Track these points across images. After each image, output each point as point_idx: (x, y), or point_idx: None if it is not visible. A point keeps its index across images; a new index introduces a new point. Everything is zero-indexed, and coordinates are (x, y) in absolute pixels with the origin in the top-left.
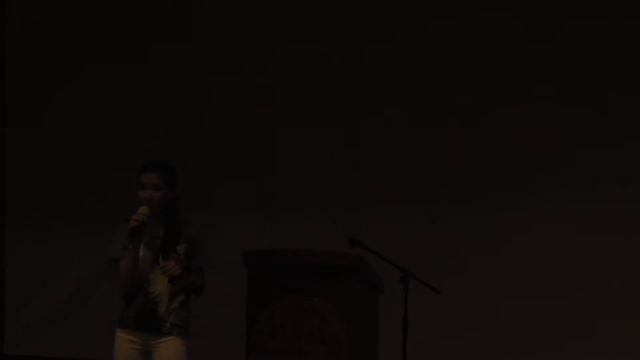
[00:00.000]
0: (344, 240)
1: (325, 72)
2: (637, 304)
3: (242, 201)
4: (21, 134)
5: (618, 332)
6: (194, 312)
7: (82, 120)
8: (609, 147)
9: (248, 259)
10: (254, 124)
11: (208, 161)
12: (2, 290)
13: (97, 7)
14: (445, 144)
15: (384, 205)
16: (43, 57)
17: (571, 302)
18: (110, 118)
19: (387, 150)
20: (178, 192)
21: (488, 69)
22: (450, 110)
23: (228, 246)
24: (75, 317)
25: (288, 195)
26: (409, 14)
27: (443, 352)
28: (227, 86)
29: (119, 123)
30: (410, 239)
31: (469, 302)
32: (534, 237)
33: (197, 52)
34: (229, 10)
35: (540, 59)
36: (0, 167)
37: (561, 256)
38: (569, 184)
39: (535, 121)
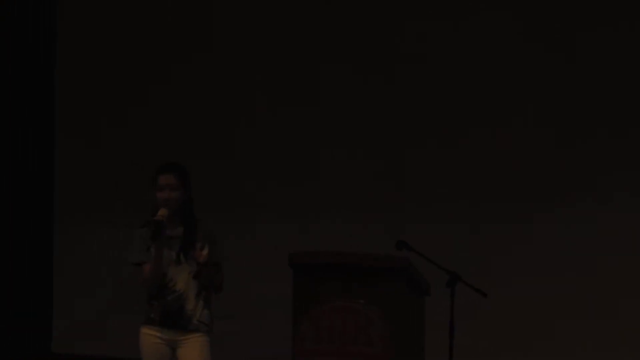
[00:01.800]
0: (390, 242)
1: (366, 78)
2: None
3: (288, 203)
4: (73, 134)
5: None
6: (237, 312)
7: (129, 121)
8: None
9: (294, 261)
10: (297, 126)
11: (252, 163)
12: (50, 289)
13: (144, 19)
14: (489, 146)
15: (430, 208)
16: (93, 65)
17: (620, 308)
18: (155, 118)
19: (433, 153)
20: (191, 193)
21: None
22: (491, 114)
23: (273, 247)
24: (122, 316)
25: (333, 197)
26: (440, 11)
27: (489, 356)
28: (272, 88)
29: (163, 123)
30: (456, 241)
31: (516, 306)
32: (581, 240)
33: (238, 57)
34: (279, 21)
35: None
36: (51, 166)
37: (612, 258)
38: (617, 188)
39: (580, 125)
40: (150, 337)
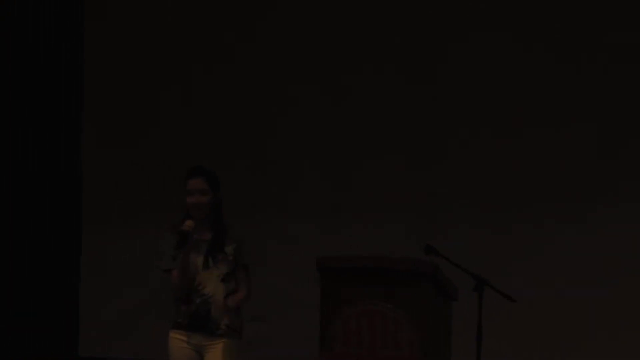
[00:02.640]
0: (417, 247)
1: (399, 80)
2: None
3: (315, 206)
4: (98, 135)
5: None
6: (263, 315)
7: (156, 123)
8: None
9: (322, 264)
10: (328, 129)
11: (277, 165)
12: (77, 292)
13: (175, 15)
14: (519, 151)
15: (458, 212)
16: (120, 56)
17: None
18: (185, 119)
19: (460, 157)
20: (221, 196)
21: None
22: (519, 117)
23: (299, 250)
24: (149, 319)
25: (360, 201)
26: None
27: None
28: (305, 92)
29: (195, 123)
30: (484, 245)
31: (544, 310)
32: (609, 244)
33: (263, 60)
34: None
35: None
36: (78, 168)
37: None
38: None
39: (610, 132)
40: (177, 341)
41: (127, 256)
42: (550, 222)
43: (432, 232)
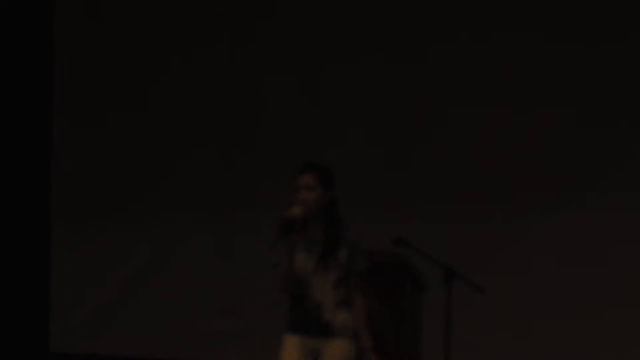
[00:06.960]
0: (388, 239)
1: (373, 74)
2: None
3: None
4: (67, 129)
5: None
6: (237, 310)
7: (131, 116)
8: None
9: None
10: (302, 122)
11: (254, 159)
12: (47, 287)
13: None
14: (494, 141)
15: (428, 204)
16: (93, 51)
17: (622, 305)
18: (152, 118)
19: (432, 149)
20: (334, 195)
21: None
22: (496, 106)
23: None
24: (121, 314)
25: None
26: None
27: (486, 351)
28: (280, 85)
29: (172, 120)
30: (454, 237)
31: (514, 302)
32: (580, 238)
33: (246, 52)
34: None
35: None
36: (47, 163)
37: (609, 257)
38: (621, 187)
39: (586, 123)
40: (292, 345)
41: (99, 250)
42: (522, 214)
43: (405, 224)
